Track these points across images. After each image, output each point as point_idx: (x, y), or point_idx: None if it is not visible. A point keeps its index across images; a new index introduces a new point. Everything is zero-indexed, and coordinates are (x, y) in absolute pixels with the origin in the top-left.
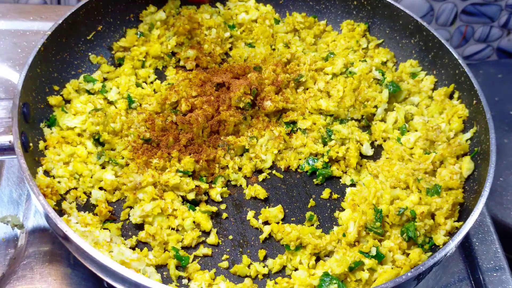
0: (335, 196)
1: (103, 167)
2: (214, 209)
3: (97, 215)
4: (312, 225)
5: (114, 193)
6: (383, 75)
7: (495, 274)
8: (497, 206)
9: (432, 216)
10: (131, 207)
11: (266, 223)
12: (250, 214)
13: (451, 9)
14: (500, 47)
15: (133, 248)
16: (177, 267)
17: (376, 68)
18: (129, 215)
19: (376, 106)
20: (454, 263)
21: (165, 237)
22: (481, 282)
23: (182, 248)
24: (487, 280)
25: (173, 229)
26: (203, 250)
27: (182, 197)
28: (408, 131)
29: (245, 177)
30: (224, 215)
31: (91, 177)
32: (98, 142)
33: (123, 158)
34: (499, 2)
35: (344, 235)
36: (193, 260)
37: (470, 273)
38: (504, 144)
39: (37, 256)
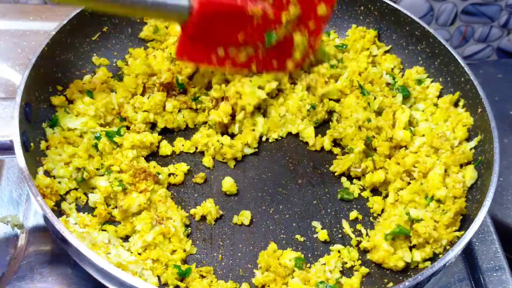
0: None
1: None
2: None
3: (96, 216)
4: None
5: (111, 198)
6: (394, 79)
7: (495, 274)
8: (497, 206)
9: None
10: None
11: None
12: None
13: (451, 9)
14: (500, 47)
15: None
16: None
17: (387, 72)
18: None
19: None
20: (454, 263)
21: (169, 257)
22: (481, 282)
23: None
24: (487, 280)
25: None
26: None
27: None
28: (414, 134)
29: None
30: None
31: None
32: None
33: (121, 181)
34: (499, 2)
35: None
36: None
37: (470, 273)
38: (504, 144)
39: (37, 256)
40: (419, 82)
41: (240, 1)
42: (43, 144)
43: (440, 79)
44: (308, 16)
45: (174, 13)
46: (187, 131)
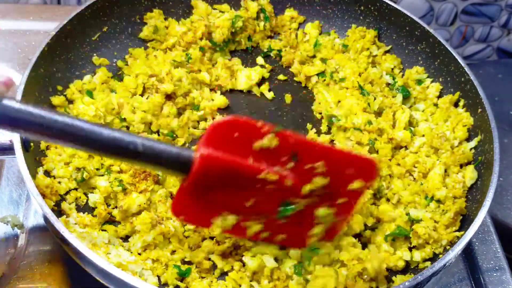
0: None
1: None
2: None
3: (96, 216)
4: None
5: (111, 198)
6: (394, 79)
7: (495, 274)
8: (497, 206)
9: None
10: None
11: None
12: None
13: (451, 9)
14: (500, 47)
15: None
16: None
17: (387, 73)
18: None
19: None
20: (454, 263)
21: (169, 257)
22: (481, 282)
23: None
24: (487, 280)
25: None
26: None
27: None
28: (414, 135)
29: None
30: None
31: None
32: None
33: (121, 181)
34: (499, 2)
35: None
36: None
37: (470, 273)
38: (504, 144)
39: (37, 256)
40: (419, 82)
41: (252, 162)
42: (43, 144)
43: (440, 79)
44: (338, 190)
45: (171, 164)
46: None
